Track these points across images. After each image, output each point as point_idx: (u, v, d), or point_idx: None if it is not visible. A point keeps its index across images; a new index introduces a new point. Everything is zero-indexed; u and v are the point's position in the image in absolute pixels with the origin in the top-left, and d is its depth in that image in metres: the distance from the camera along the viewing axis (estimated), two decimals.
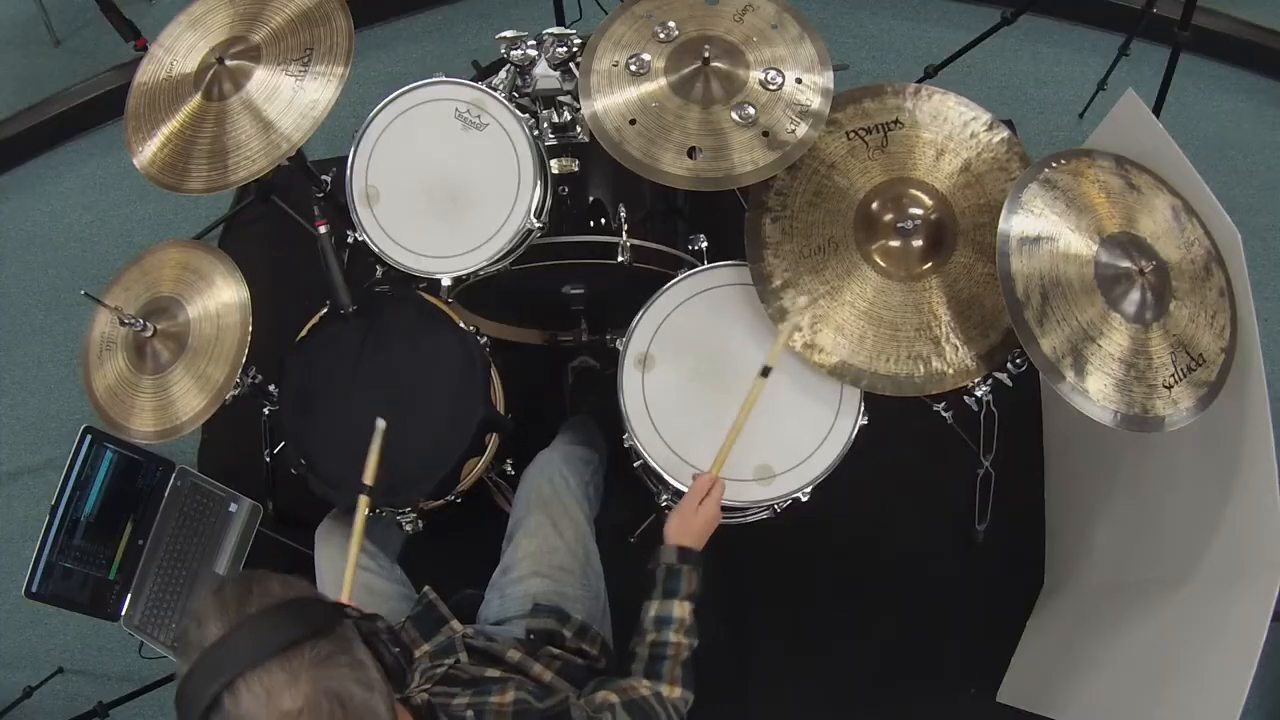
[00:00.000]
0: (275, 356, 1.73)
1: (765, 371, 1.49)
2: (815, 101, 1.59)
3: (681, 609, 1.34)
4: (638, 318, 1.68)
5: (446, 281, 1.67)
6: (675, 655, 1.31)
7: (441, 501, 1.75)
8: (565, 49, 1.66)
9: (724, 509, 1.49)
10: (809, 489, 1.58)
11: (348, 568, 1.43)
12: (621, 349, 1.66)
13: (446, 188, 1.66)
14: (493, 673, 1.29)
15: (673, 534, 1.40)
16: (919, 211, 1.62)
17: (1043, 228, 1.48)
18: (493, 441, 1.77)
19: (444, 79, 1.68)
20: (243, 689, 0.79)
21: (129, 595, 1.96)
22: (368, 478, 1.48)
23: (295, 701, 0.80)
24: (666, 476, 1.59)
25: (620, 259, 1.70)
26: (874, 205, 1.64)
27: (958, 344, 1.57)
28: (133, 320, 1.66)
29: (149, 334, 1.69)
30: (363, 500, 1.47)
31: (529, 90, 1.74)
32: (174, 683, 0.84)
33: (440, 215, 1.66)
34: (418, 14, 2.93)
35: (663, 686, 1.29)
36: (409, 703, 1.09)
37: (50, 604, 1.86)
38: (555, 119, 1.75)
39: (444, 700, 1.15)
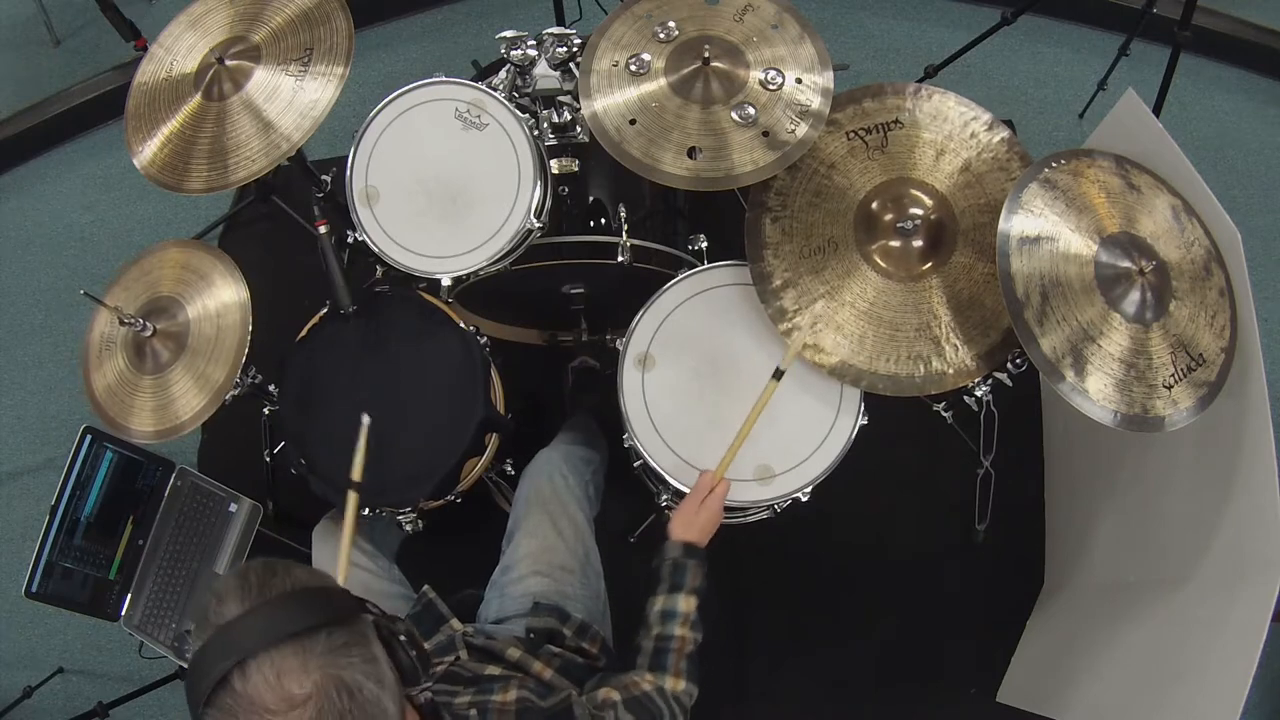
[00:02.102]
0: (275, 356, 1.73)
1: (778, 375, 1.49)
2: (815, 101, 1.59)
3: (687, 603, 1.34)
4: (638, 318, 1.68)
5: (446, 281, 1.66)
6: (680, 648, 1.31)
7: (441, 501, 1.75)
8: (565, 49, 1.66)
9: (725, 509, 1.49)
10: (809, 489, 1.58)
11: (341, 557, 1.42)
12: (621, 349, 1.66)
13: (446, 188, 1.66)
14: (493, 670, 1.29)
15: (677, 530, 1.41)
16: (919, 211, 1.62)
17: (1043, 228, 1.48)
18: (493, 441, 1.77)
19: (444, 79, 1.68)
20: (253, 669, 0.79)
21: (129, 595, 1.96)
22: (355, 474, 1.46)
23: (304, 687, 0.79)
24: (667, 477, 1.59)
25: (620, 259, 1.70)
26: (874, 205, 1.64)
27: (958, 344, 1.57)
28: (132, 320, 1.66)
29: (149, 334, 1.69)
30: (352, 496, 1.45)
31: (529, 90, 1.74)
32: (190, 656, 0.84)
33: (440, 215, 1.66)
34: (418, 14, 2.93)
35: (667, 679, 1.29)
36: (412, 701, 1.09)
37: (50, 604, 1.86)
38: (555, 119, 1.75)
39: (446, 699, 1.15)
